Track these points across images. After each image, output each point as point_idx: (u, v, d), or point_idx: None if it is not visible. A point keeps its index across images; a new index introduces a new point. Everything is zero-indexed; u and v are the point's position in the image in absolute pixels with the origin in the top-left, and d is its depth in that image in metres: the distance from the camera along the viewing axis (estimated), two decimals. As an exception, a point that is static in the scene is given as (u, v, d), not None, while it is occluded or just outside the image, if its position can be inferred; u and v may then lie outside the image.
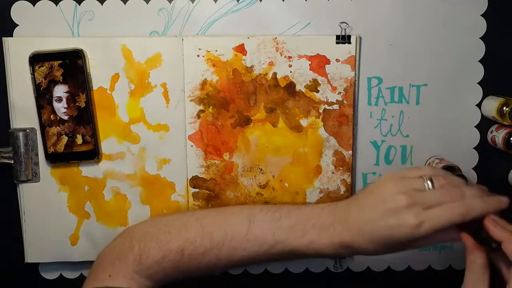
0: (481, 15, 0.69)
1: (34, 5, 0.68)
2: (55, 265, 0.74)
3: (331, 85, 0.69)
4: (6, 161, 0.69)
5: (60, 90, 0.67)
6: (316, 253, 0.56)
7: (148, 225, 0.62)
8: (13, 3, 0.68)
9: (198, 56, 0.68)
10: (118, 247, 0.60)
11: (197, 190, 0.71)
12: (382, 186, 0.53)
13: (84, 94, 0.67)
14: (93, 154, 0.69)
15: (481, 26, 0.69)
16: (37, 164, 0.70)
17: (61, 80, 0.67)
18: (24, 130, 0.69)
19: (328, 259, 0.75)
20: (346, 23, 0.68)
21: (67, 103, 0.68)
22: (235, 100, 0.69)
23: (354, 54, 0.68)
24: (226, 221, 0.59)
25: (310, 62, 0.68)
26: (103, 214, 0.71)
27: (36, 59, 0.67)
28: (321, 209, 0.57)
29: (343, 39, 0.68)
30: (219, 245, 0.57)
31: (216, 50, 0.68)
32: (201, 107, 0.69)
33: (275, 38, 0.68)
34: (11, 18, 0.68)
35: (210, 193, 0.71)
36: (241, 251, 0.57)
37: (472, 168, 0.73)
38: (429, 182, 0.52)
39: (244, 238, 0.57)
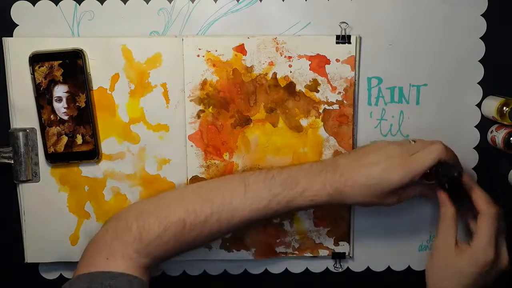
0: (481, 15, 0.69)
1: (34, 5, 0.68)
2: (55, 265, 0.74)
3: (331, 85, 0.69)
4: (6, 161, 0.69)
5: (60, 90, 0.67)
6: (310, 201, 0.61)
7: (142, 204, 0.63)
8: (13, 3, 0.68)
9: (198, 56, 0.68)
10: (112, 230, 0.59)
11: (197, 190, 0.71)
12: (373, 144, 0.65)
13: (84, 94, 0.67)
14: (93, 154, 0.69)
15: (481, 26, 0.69)
16: (37, 164, 0.70)
17: (61, 80, 0.67)
18: (24, 130, 0.69)
19: (328, 259, 0.75)
20: (346, 23, 0.68)
21: (67, 103, 0.68)
22: (235, 100, 0.69)
23: (354, 54, 0.68)
24: (223, 186, 0.62)
25: (310, 62, 0.68)
26: (103, 214, 0.71)
27: (36, 59, 0.67)
28: (310, 164, 0.63)
29: (343, 39, 0.68)
30: (219, 209, 0.59)
31: (216, 50, 0.68)
32: (201, 107, 0.69)
33: (275, 38, 0.68)
34: (11, 18, 0.68)
35: (210, 193, 0.71)
36: (241, 211, 0.60)
37: (472, 168, 0.73)
38: (411, 141, 0.65)
39: (243, 198, 0.60)
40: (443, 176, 0.62)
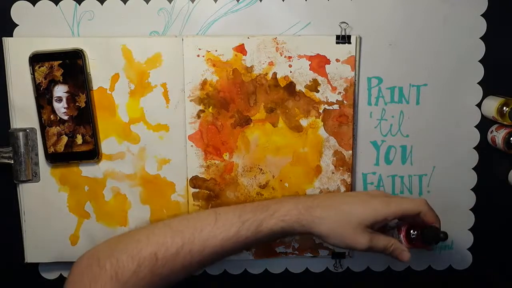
0: (481, 15, 0.69)
1: (34, 5, 0.68)
2: (55, 265, 0.74)
3: (331, 85, 0.69)
4: (6, 161, 0.69)
5: (60, 90, 0.67)
6: (281, 221, 0.58)
7: (111, 243, 0.61)
8: (13, 3, 0.68)
9: (198, 56, 0.68)
10: (87, 273, 0.57)
11: (197, 190, 0.71)
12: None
13: (84, 94, 0.67)
14: (93, 154, 0.69)
15: (481, 26, 0.69)
16: (37, 164, 0.70)
17: (61, 80, 0.67)
18: (24, 130, 0.69)
19: (328, 259, 0.75)
20: (346, 23, 0.68)
21: (67, 103, 0.68)
22: (235, 100, 0.69)
23: (354, 54, 0.68)
24: (194, 218, 0.60)
25: (310, 62, 0.68)
26: (103, 214, 0.71)
27: (36, 59, 0.67)
28: (283, 197, 0.63)
29: (343, 39, 0.68)
30: (190, 240, 0.58)
31: (216, 50, 0.68)
32: (201, 107, 0.69)
33: (275, 38, 0.68)
34: (11, 18, 0.68)
35: (210, 193, 0.71)
36: (212, 240, 0.58)
37: (472, 168, 0.73)
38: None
39: (213, 227, 0.58)
40: (430, 239, 0.59)
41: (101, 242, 0.61)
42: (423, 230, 0.59)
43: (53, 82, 0.67)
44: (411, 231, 0.61)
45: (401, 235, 0.62)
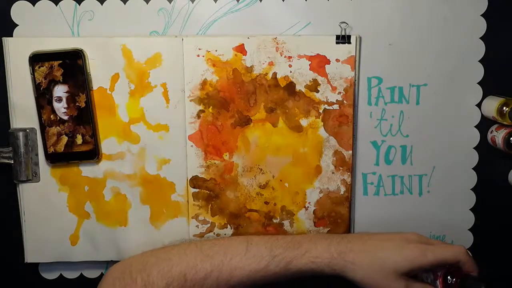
0: (481, 15, 0.69)
1: (34, 5, 0.68)
2: (55, 265, 0.74)
3: (331, 85, 0.69)
4: (6, 161, 0.69)
5: (60, 90, 0.67)
6: (311, 263, 0.58)
7: (145, 256, 0.62)
8: (13, 3, 0.68)
9: (198, 56, 0.68)
10: (119, 283, 0.59)
11: (197, 190, 0.71)
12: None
13: (84, 94, 0.67)
14: (93, 154, 0.69)
15: (481, 26, 0.69)
16: (37, 164, 0.70)
17: (61, 80, 0.67)
18: (24, 130, 0.69)
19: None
20: (346, 23, 0.68)
21: (67, 103, 0.68)
22: (235, 100, 0.69)
23: (354, 54, 0.68)
24: (225, 244, 0.61)
25: (310, 62, 0.68)
26: (103, 214, 0.71)
27: (36, 59, 0.67)
28: (318, 233, 0.61)
29: (343, 39, 0.68)
30: (219, 267, 0.58)
31: (216, 50, 0.68)
32: (201, 107, 0.69)
33: (275, 38, 0.68)
34: (11, 18, 0.68)
35: (210, 193, 0.71)
36: (240, 270, 0.58)
37: (472, 168, 0.73)
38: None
39: (243, 257, 0.58)
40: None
41: (135, 255, 0.63)
42: (462, 280, 0.57)
43: (53, 82, 0.67)
44: (448, 277, 0.58)
45: (438, 282, 0.59)
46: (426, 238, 0.60)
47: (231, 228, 0.72)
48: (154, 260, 0.60)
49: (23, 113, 0.69)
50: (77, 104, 0.68)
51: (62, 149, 0.69)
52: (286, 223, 0.72)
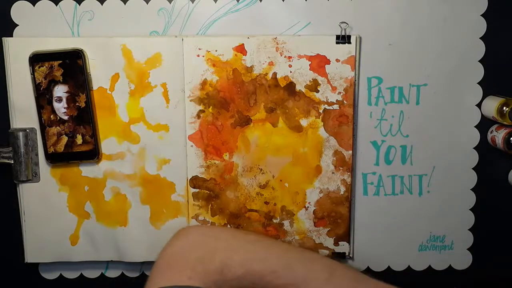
0: (481, 15, 0.69)
1: (34, 5, 0.68)
2: (55, 265, 0.74)
3: (331, 85, 0.69)
4: (6, 161, 0.69)
5: (60, 90, 0.67)
6: None
7: (229, 235, 0.61)
8: (13, 3, 0.68)
9: (198, 56, 0.68)
10: (198, 250, 0.58)
11: (197, 190, 0.71)
12: None
13: (84, 94, 0.67)
14: (93, 154, 0.69)
15: (481, 26, 0.69)
16: (37, 164, 0.70)
17: (61, 80, 0.67)
18: (24, 130, 0.69)
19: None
20: (346, 23, 0.68)
21: (67, 103, 0.68)
22: (235, 100, 0.69)
23: (354, 54, 0.68)
24: (310, 262, 0.60)
25: (310, 62, 0.68)
26: (103, 214, 0.71)
27: (36, 59, 0.67)
28: None
29: (343, 39, 0.68)
30: (296, 284, 0.57)
31: (216, 50, 0.68)
32: (201, 107, 0.69)
33: (275, 38, 0.68)
34: (11, 18, 0.68)
35: (210, 193, 0.71)
36: None
37: (472, 168, 0.73)
38: None
39: (323, 284, 0.58)
40: None
41: (221, 227, 0.62)
42: None
43: (53, 82, 0.67)
44: None
45: None
46: None
47: (231, 228, 0.72)
48: (237, 245, 0.60)
49: (23, 113, 0.69)
50: (77, 104, 0.68)
51: (62, 149, 0.69)
52: (286, 223, 0.72)
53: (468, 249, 0.75)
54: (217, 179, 0.71)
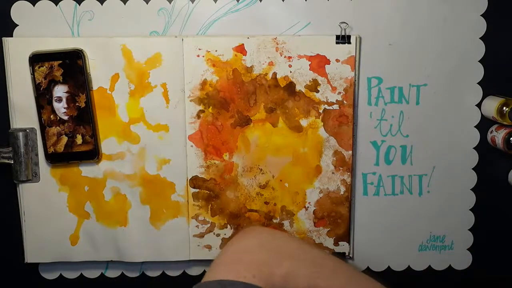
0: (481, 15, 0.69)
1: (34, 5, 0.68)
2: (55, 265, 0.74)
3: (331, 85, 0.69)
4: (6, 161, 0.69)
5: (60, 90, 0.67)
6: None
7: (297, 244, 0.61)
8: (13, 3, 0.68)
9: (198, 56, 0.68)
10: (267, 251, 0.58)
11: (197, 190, 0.71)
12: None
13: (84, 94, 0.67)
14: (93, 154, 0.69)
15: (481, 26, 0.69)
16: (37, 164, 0.70)
17: (61, 80, 0.67)
18: (24, 130, 0.69)
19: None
20: (346, 23, 0.68)
21: (67, 103, 0.68)
22: (235, 100, 0.69)
23: (354, 54, 0.68)
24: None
25: (310, 62, 0.68)
26: (103, 214, 0.71)
27: (36, 59, 0.67)
28: None
29: (343, 39, 0.68)
30: None
31: (216, 50, 0.68)
32: (201, 107, 0.69)
33: (275, 38, 0.68)
34: (11, 18, 0.68)
35: (210, 193, 0.71)
36: None
37: (472, 168, 0.73)
38: None
39: None
40: None
41: (288, 235, 0.62)
42: None
43: (53, 82, 0.67)
44: None
45: None
46: None
47: (231, 228, 0.72)
48: (304, 257, 0.59)
49: (23, 113, 0.69)
50: (77, 104, 0.68)
51: (62, 149, 0.69)
52: (286, 223, 0.72)
53: (468, 249, 0.75)
54: (217, 179, 0.71)
